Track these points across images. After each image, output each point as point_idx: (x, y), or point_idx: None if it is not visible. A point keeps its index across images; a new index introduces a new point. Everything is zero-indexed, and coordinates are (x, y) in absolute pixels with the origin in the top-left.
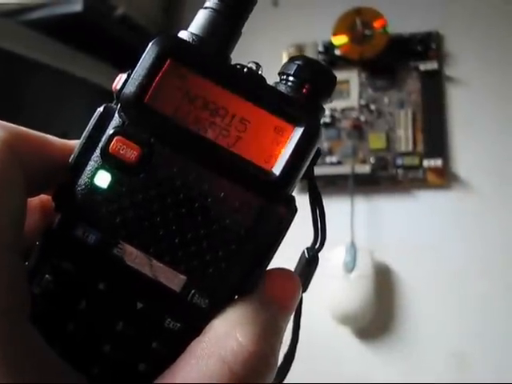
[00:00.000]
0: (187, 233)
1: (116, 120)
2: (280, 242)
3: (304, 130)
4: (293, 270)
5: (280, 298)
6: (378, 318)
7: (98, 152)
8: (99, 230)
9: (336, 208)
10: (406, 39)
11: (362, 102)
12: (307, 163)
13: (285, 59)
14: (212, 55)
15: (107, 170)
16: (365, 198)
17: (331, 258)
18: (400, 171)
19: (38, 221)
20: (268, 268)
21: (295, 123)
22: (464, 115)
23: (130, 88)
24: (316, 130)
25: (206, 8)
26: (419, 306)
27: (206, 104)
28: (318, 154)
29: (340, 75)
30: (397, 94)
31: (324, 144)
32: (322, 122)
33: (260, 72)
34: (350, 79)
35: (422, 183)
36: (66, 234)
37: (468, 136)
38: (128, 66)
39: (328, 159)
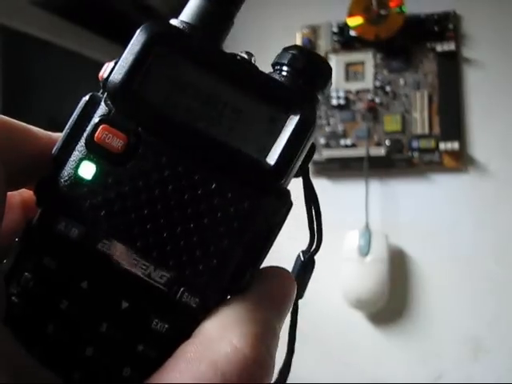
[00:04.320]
0: (176, 226)
1: (102, 108)
2: (274, 237)
3: (299, 119)
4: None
5: (275, 297)
6: (392, 302)
7: (82, 142)
8: (82, 224)
9: (350, 191)
10: (423, 19)
11: (377, 84)
12: (303, 154)
13: (299, 40)
14: (203, 42)
15: (92, 161)
16: (379, 181)
17: (345, 241)
18: (415, 154)
19: (18, 219)
20: (262, 266)
21: (290, 111)
22: (481, 97)
23: (117, 75)
24: (311, 118)
25: None
26: (434, 290)
27: (196, 92)
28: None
29: (355, 56)
30: (413, 75)
31: (338, 126)
32: (317, 113)
33: (253, 61)
34: (365, 60)
35: (438, 166)
36: (48, 229)
37: (485, 119)
38: None
39: (342, 142)
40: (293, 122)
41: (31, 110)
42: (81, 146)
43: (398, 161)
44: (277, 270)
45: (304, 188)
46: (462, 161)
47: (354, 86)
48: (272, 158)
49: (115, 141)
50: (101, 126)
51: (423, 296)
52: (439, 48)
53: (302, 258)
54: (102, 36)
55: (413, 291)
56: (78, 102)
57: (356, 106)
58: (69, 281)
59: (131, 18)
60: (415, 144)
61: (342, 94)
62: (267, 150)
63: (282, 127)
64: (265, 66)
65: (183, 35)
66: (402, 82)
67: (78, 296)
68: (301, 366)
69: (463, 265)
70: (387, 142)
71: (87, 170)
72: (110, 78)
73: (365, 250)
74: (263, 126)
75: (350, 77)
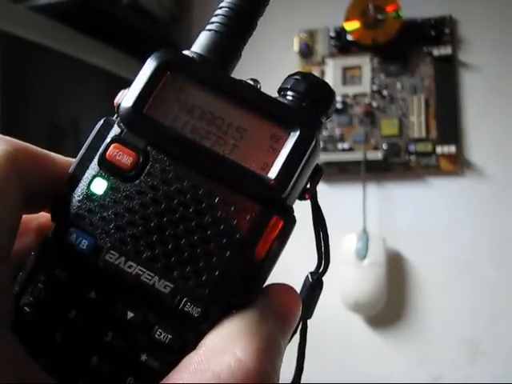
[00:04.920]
0: (181, 239)
1: (115, 130)
2: (278, 252)
3: (299, 134)
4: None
5: (280, 312)
6: (389, 305)
7: (95, 160)
8: (92, 236)
9: (348, 195)
10: (419, 24)
11: (375, 88)
12: (305, 171)
13: (296, 45)
14: (211, 68)
15: (103, 177)
16: (377, 185)
17: (343, 245)
18: (413, 158)
19: (33, 243)
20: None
21: (291, 129)
22: (478, 101)
23: (129, 99)
24: (311, 134)
25: (208, 30)
26: (431, 293)
27: (203, 114)
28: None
29: (352, 61)
30: (409, 79)
31: (336, 130)
32: (319, 135)
33: (258, 87)
34: (362, 65)
35: (435, 170)
36: (60, 241)
37: (481, 122)
38: (138, 52)
39: (340, 146)
40: (293, 138)
41: (30, 114)
42: (94, 163)
43: (395, 164)
44: (282, 286)
45: (312, 211)
46: (458, 164)
47: (351, 90)
48: (273, 174)
49: (125, 158)
50: (112, 145)
51: (421, 299)
52: (436, 52)
53: (311, 279)
54: (100, 41)
55: (410, 294)
56: (77, 106)
57: (353, 110)
58: (78, 291)
59: (130, 23)
60: (412, 148)
61: (339, 99)
62: (269, 166)
63: (284, 144)
64: (263, 70)
65: (192, 61)
66: (398, 86)
67: (85, 306)
68: None
69: (461, 268)
70: (384, 146)
71: (99, 186)
72: (122, 102)
73: (362, 254)
74: (265, 143)
75: (347, 81)
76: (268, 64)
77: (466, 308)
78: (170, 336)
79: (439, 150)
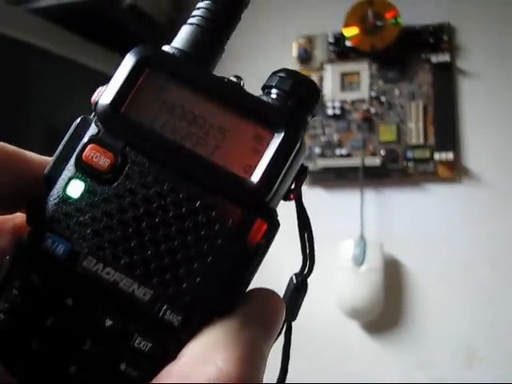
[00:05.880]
0: (160, 244)
1: (92, 129)
2: (261, 257)
3: (284, 136)
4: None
5: (262, 318)
6: (387, 311)
7: (72, 161)
8: (69, 241)
9: (345, 201)
10: (418, 31)
11: (373, 94)
12: (290, 172)
13: (295, 50)
14: (192, 65)
15: (80, 179)
16: (375, 191)
17: (340, 250)
18: (410, 164)
19: (9, 244)
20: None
21: (275, 130)
22: (476, 108)
23: (106, 97)
24: (296, 135)
25: (189, 24)
26: (429, 299)
27: (184, 113)
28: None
29: (350, 67)
30: (408, 86)
31: (334, 136)
32: (305, 134)
33: (242, 84)
34: (361, 71)
35: (433, 176)
36: (35, 246)
37: (480, 129)
38: None
39: (338, 151)
40: (277, 140)
41: (29, 117)
42: (70, 165)
43: (392, 171)
44: (264, 291)
45: (297, 211)
46: (456, 171)
47: (350, 96)
48: (256, 177)
49: (102, 160)
50: (89, 146)
51: (418, 305)
52: (434, 59)
53: (295, 281)
54: (99, 44)
55: (407, 300)
56: (75, 109)
57: (351, 115)
58: (54, 297)
59: (128, 26)
60: (410, 154)
61: (337, 104)
62: (252, 168)
63: (267, 145)
64: (261, 75)
65: (172, 58)
66: (397, 92)
67: (62, 313)
68: (296, 375)
69: (458, 274)
70: (382, 152)
71: (75, 189)
72: (100, 100)
73: (360, 260)
74: (249, 144)
75: (346, 87)
76: (266, 69)
77: (463, 314)
78: (149, 344)
79: (437, 156)
